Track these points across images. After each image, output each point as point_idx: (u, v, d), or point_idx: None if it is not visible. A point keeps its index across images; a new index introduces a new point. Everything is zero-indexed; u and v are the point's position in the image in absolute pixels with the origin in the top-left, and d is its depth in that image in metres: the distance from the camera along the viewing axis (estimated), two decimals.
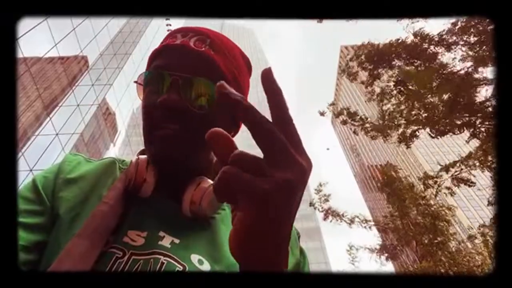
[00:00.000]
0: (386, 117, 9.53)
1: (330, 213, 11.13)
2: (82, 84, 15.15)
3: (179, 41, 0.68)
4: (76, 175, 0.70)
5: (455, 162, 9.10)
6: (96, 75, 15.96)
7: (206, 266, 0.60)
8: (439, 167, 9.35)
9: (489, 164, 8.46)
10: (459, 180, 8.94)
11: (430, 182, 9.34)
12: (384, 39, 9.53)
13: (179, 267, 0.58)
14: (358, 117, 10.06)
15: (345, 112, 10.22)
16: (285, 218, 0.35)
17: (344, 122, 10.38)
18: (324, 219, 11.30)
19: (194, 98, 0.65)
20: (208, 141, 0.35)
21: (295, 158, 0.35)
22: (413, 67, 9.00)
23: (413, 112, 8.91)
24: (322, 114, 11.10)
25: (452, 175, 9.10)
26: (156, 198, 0.67)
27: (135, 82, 0.71)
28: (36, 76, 11.79)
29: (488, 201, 8.95)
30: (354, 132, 10.67)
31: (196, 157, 0.69)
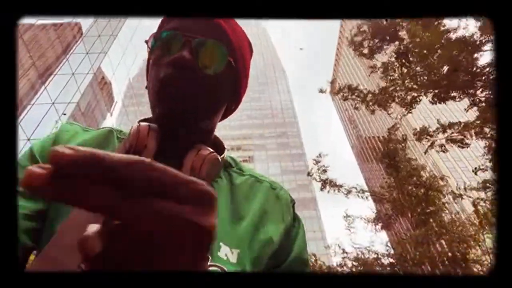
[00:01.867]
0: (389, 84, 9.47)
1: (328, 184, 11.31)
2: (76, 52, 14.83)
3: None
4: (74, 145, 0.71)
5: (452, 124, 9.14)
6: (91, 42, 15.58)
7: None
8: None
9: (484, 135, 8.55)
10: (453, 141, 9.04)
11: (426, 137, 9.45)
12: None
13: None
14: (359, 91, 10.01)
15: (346, 89, 10.16)
16: None
17: (345, 98, 10.33)
18: (322, 189, 11.49)
19: (205, 59, 0.66)
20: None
21: None
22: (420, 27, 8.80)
23: (415, 80, 8.87)
24: (322, 91, 11.03)
25: (447, 136, 9.20)
26: None
27: (146, 42, 0.70)
28: (29, 44, 11.49)
29: (476, 168, 9.04)
30: (356, 108, 10.62)
31: (201, 118, 0.69)
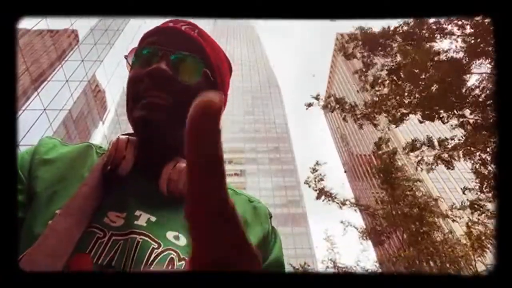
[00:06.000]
0: (377, 99, 9.66)
1: (323, 193, 11.42)
2: (71, 59, 14.80)
3: (171, 25, 0.72)
4: (52, 156, 0.72)
5: (442, 141, 9.35)
6: (86, 50, 15.58)
7: (182, 241, 0.62)
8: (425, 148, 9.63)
9: (471, 157, 8.73)
10: (441, 159, 9.22)
11: (415, 153, 9.63)
12: (380, 24, 9.63)
13: (154, 245, 0.60)
14: (347, 103, 10.21)
15: (332, 98, 10.37)
16: None
17: (332, 109, 10.54)
18: (317, 198, 11.59)
19: (182, 71, 0.68)
20: None
21: None
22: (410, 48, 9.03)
23: (405, 96, 9.08)
24: (309, 105, 11.25)
25: (435, 155, 9.40)
26: (135, 176, 0.68)
27: (125, 57, 0.73)
28: (24, 49, 11.46)
29: (464, 187, 9.23)
30: (344, 119, 10.80)
31: (178, 129, 0.68)
